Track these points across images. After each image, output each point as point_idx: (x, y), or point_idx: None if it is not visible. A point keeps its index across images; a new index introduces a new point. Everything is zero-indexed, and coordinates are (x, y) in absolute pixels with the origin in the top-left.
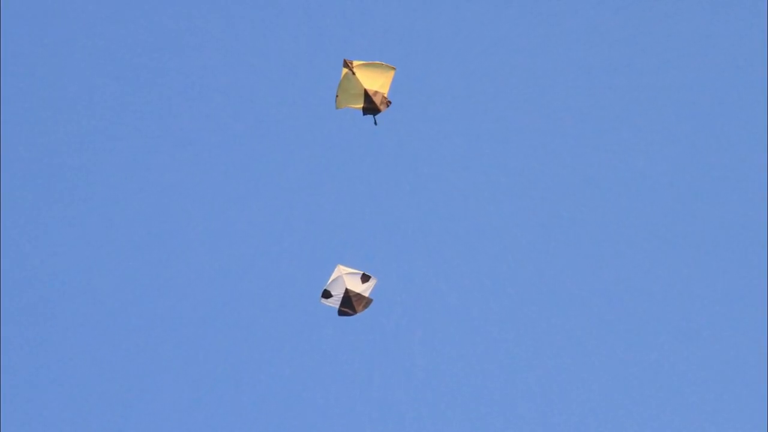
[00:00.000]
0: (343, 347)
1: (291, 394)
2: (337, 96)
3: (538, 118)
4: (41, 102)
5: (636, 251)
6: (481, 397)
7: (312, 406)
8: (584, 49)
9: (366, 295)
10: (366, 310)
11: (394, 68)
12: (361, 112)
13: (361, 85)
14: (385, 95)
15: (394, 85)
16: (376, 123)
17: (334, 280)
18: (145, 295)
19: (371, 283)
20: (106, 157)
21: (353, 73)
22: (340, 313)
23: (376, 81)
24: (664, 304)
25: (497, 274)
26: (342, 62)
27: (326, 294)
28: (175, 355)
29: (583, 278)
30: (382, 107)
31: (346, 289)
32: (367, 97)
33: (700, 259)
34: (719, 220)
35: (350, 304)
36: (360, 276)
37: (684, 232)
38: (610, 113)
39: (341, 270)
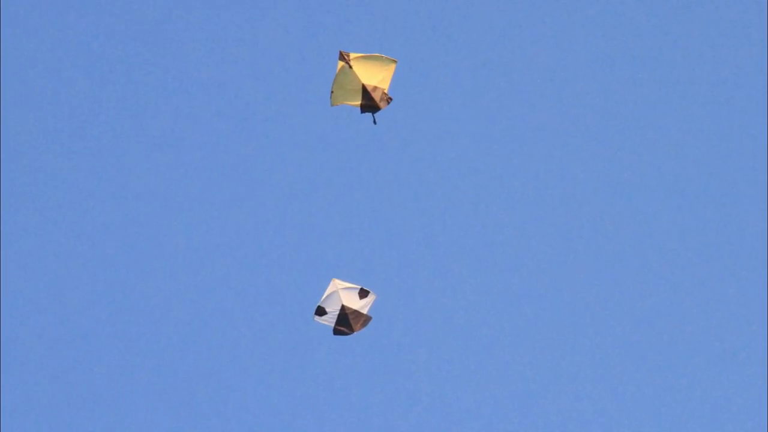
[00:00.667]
0: (338, 371)
1: (281, 423)
2: (332, 92)
3: (552, 117)
4: (35, 101)
5: (657, 263)
6: (491, 425)
7: None
8: (598, 42)
9: (364, 312)
10: (364, 329)
11: (395, 61)
12: (359, 109)
13: (359, 80)
14: (386, 91)
15: (396, 80)
16: (375, 122)
17: (328, 296)
18: (129, 310)
19: (370, 298)
20: (90, 159)
21: (350, 67)
22: (336, 332)
23: (375, 75)
24: (681, 318)
25: (509, 289)
26: (338, 54)
27: (320, 311)
28: (154, 386)
29: (604, 293)
30: (381, 104)
31: (343, 306)
32: (365, 93)
33: (722, 267)
34: (737, 224)
35: (347, 322)
36: (358, 291)
37: (701, 237)
38: (625, 109)
39: (337, 284)
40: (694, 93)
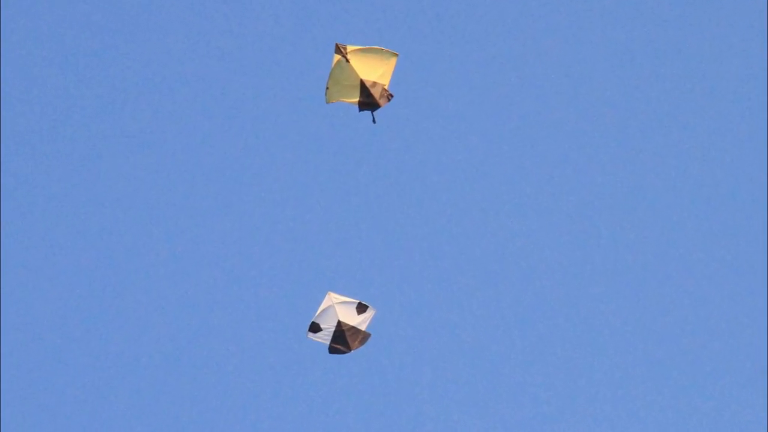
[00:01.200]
0: (334, 393)
1: None
2: (327, 88)
3: (566, 116)
4: (33, 101)
5: (682, 276)
6: None
7: None
8: (616, 34)
9: (363, 329)
10: (363, 347)
11: (396, 54)
12: (357, 107)
13: (357, 75)
14: (386, 87)
15: (397, 75)
16: (374, 121)
17: (323, 311)
18: (111, 330)
19: (369, 314)
20: (79, 159)
21: (347, 60)
22: (332, 350)
23: (374, 70)
24: (705, 335)
25: (522, 302)
26: (333, 47)
27: (314, 327)
28: (137, 410)
29: (625, 308)
30: (381, 101)
31: (339, 322)
32: (364, 89)
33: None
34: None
35: (344, 339)
36: (355, 305)
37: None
38: (642, 105)
39: (333, 298)
40: (707, 93)
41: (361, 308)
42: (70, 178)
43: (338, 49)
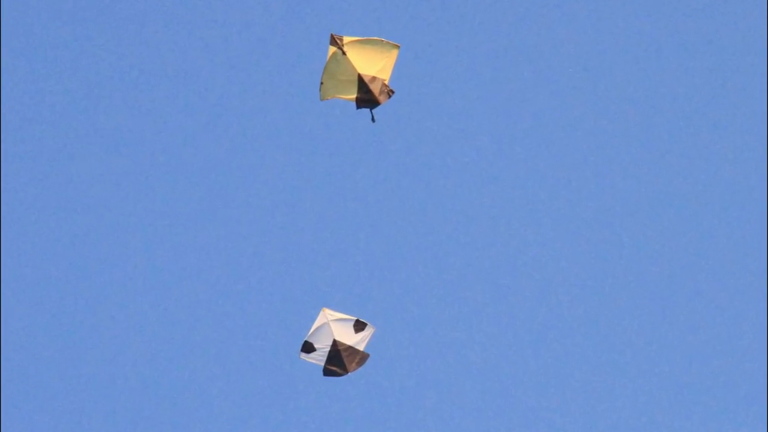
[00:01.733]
0: (329, 420)
1: None
2: (321, 83)
3: (580, 115)
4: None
5: (703, 298)
6: None
7: None
8: (635, 24)
9: (361, 348)
10: (360, 368)
11: (397, 46)
12: (354, 104)
13: (355, 69)
14: (386, 82)
15: (398, 69)
16: (373, 119)
17: (317, 329)
18: (94, 354)
19: (367, 332)
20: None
21: (343, 53)
22: (326, 372)
23: (374, 63)
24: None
25: (532, 319)
26: (329, 38)
27: (308, 347)
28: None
29: (640, 325)
30: (381, 98)
31: (335, 341)
32: (362, 84)
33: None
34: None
35: (340, 360)
36: (352, 323)
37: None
38: (661, 102)
39: (327, 315)
40: (722, 96)
41: (359, 326)
42: (64, 177)
43: (334, 41)
